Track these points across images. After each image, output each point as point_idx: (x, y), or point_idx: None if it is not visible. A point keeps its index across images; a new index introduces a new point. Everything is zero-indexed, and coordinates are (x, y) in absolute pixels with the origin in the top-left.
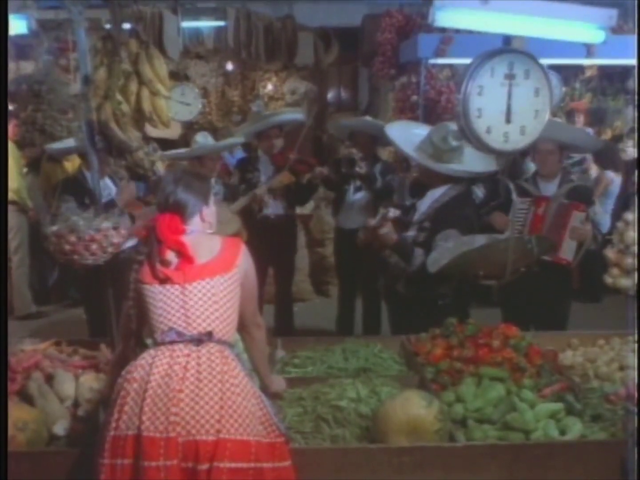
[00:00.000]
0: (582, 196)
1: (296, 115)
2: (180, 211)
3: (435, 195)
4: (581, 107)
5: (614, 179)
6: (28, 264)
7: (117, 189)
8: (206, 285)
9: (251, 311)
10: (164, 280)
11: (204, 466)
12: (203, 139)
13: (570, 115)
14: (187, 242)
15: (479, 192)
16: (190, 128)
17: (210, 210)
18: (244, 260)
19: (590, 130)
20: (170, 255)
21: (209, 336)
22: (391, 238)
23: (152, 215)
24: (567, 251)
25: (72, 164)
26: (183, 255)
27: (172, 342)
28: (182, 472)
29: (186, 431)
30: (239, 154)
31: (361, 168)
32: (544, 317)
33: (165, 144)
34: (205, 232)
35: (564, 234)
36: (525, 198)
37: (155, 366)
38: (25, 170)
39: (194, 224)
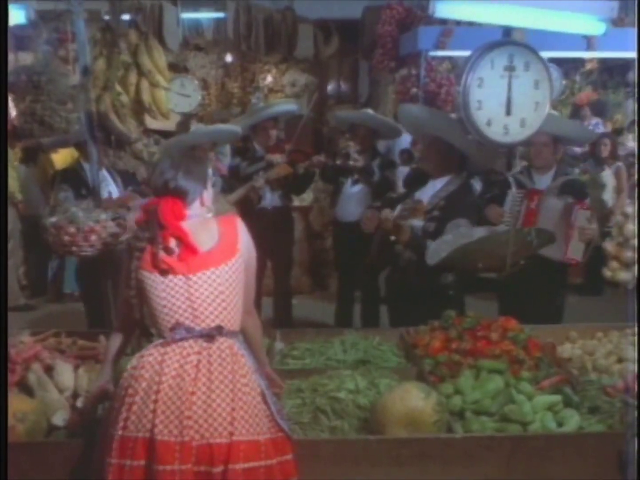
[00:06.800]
0: (576, 190)
1: (289, 106)
2: (181, 197)
3: (438, 185)
4: (585, 99)
5: None
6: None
7: (120, 194)
8: (211, 276)
9: (250, 296)
10: (166, 271)
11: (219, 469)
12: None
13: (576, 110)
14: (187, 230)
15: (477, 185)
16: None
17: (209, 193)
18: (244, 239)
19: (598, 122)
20: (173, 243)
21: (218, 331)
22: (406, 232)
23: None
24: (576, 250)
25: (63, 156)
26: (184, 244)
27: (181, 339)
28: (195, 476)
29: (200, 435)
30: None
31: (356, 161)
32: (540, 311)
33: (162, 136)
34: (204, 217)
35: (571, 234)
36: (519, 191)
37: (166, 365)
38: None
39: (195, 209)
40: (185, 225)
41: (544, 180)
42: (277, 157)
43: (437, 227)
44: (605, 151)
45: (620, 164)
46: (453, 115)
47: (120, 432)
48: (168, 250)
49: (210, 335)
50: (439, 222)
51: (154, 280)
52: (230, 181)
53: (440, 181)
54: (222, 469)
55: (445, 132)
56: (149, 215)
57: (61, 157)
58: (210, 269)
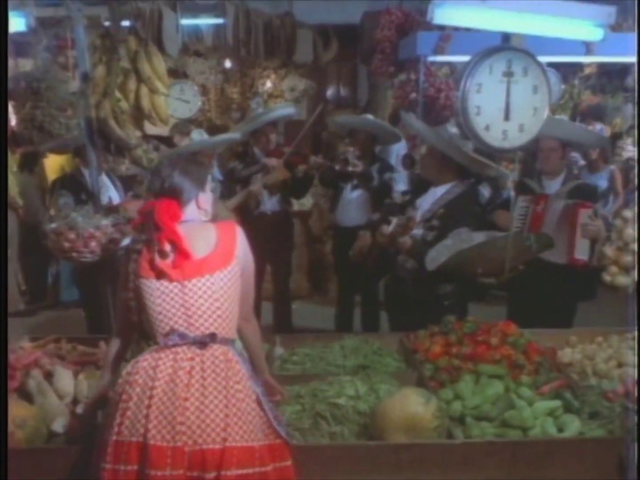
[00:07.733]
0: (587, 194)
1: (287, 110)
2: (176, 196)
3: (438, 192)
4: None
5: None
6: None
7: (121, 199)
8: (206, 283)
9: (248, 303)
10: (161, 275)
11: (211, 475)
12: (198, 136)
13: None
14: (182, 234)
15: (485, 191)
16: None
17: (206, 197)
18: (241, 247)
19: (602, 128)
20: (168, 247)
21: (212, 338)
22: (406, 243)
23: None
24: (582, 251)
25: (56, 163)
26: (178, 248)
27: (174, 345)
28: None
29: (193, 440)
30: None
31: (356, 166)
32: (552, 316)
33: (161, 141)
34: (200, 221)
35: (574, 235)
36: (526, 196)
37: (159, 371)
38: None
39: (190, 211)
40: (181, 229)
41: (553, 185)
42: (272, 161)
43: (437, 235)
44: (594, 153)
45: (613, 166)
46: (452, 124)
47: (114, 437)
48: (162, 254)
49: (203, 342)
50: (438, 230)
51: (149, 287)
52: (228, 184)
53: (441, 188)
54: (214, 474)
55: (443, 147)
56: (145, 217)
57: (54, 165)
58: (206, 276)
